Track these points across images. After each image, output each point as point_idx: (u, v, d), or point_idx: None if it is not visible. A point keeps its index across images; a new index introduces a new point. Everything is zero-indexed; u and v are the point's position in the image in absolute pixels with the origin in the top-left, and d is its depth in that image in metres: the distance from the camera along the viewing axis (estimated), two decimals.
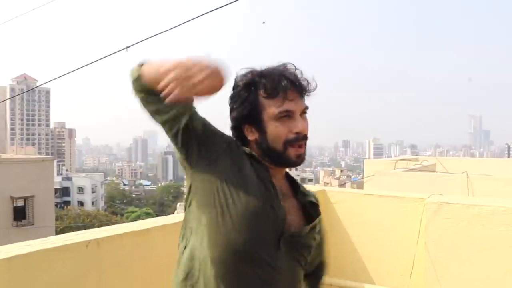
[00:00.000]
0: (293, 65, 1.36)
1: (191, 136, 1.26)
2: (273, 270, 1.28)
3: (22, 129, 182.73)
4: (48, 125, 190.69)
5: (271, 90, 1.32)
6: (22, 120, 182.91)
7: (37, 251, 1.53)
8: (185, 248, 1.30)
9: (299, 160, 1.35)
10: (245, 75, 1.36)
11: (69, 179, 74.34)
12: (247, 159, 1.34)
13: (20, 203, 23.54)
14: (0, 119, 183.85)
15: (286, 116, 1.33)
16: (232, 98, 1.37)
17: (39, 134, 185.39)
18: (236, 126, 1.38)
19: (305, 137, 1.35)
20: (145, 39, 5.71)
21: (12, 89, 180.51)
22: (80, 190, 70.77)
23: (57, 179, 65.66)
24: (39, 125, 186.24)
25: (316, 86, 1.37)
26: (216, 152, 1.28)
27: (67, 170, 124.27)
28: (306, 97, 1.39)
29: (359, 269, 3.49)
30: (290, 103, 1.33)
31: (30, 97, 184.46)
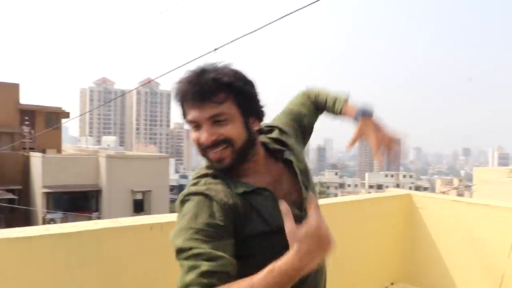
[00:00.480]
0: (199, 68, 1.31)
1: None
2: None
3: (146, 129, 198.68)
4: (168, 126, 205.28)
5: (180, 103, 1.33)
6: (146, 121, 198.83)
7: (105, 228, 1.74)
8: None
9: (220, 164, 1.32)
10: (174, 85, 1.35)
11: (185, 177, 79.18)
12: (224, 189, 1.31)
13: (139, 196, 25.79)
14: (128, 120, 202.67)
15: (195, 126, 1.32)
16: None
17: (160, 134, 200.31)
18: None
19: (214, 145, 1.30)
20: (232, 41, 5.94)
21: (138, 92, 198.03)
22: None
23: (175, 176, 70.43)
24: (160, 125, 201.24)
25: (227, 85, 1.28)
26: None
27: (184, 169, 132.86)
28: (218, 101, 1.28)
29: (442, 276, 3.30)
30: (193, 112, 1.30)
31: (154, 100, 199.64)
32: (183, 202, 1.29)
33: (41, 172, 24.35)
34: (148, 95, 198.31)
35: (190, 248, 1.14)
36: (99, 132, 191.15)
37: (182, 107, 1.34)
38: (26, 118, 31.94)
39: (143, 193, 26.21)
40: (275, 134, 1.53)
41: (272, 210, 1.28)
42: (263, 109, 1.40)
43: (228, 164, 1.31)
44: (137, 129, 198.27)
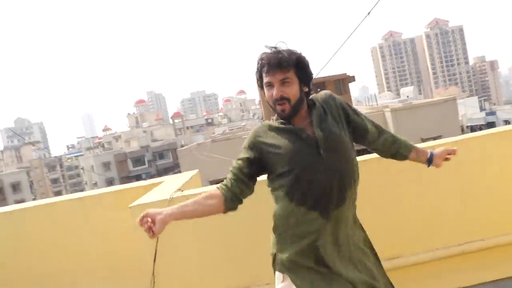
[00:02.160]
0: (275, 49, 1.93)
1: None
2: (322, 171, 1.88)
3: (442, 72, 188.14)
4: (467, 63, 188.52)
5: (260, 70, 1.97)
6: (441, 63, 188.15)
7: None
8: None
9: (283, 114, 1.94)
10: (259, 56, 1.99)
11: (492, 113, 71.90)
12: (272, 130, 1.97)
13: None
14: (422, 67, 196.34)
15: (269, 85, 1.94)
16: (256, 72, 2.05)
17: (459, 73, 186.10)
18: (261, 87, 2.04)
19: (281, 99, 1.90)
20: None
21: (428, 36, 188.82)
22: (507, 123, 67.40)
23: (480, 115, 64.99)
24: (458, 64, 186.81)
25: (293, 60, 1.90)
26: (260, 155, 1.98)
27: (494, 104, 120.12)
28: (285, 69, 1.89)
29: None
30: (268, 76, 1.92)
31: (445, 39, 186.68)
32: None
33: None
34: (438, 36, 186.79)
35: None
36: (396, 85, 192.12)
37: (260, 75, 1.98)
38: (318, 89, 35.87)
39: (434, 139, 25.87)
40: (317, 96, 2.11)
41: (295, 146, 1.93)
42: (311, 77, 2.01)
43: (288, 113, 1.93)
44: (434, 73, 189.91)
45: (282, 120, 1.99)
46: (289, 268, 1.92)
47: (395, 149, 2.15)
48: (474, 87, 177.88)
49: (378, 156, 2.23)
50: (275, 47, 1.95)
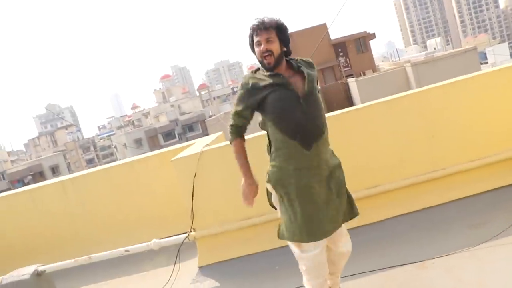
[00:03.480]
0: (262, 18, 2.56)
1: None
2: (302, 113, 2.49)
3: (471, 19, 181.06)
4: (497, 7, 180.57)
5: (251, 34, 2.60)
6: (469, 9, 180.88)
7: None
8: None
9: (269, 64, 2.53)
10: (250, 26, 2.61)
11: None
12: (263, 79, 2.54)
13: None
14: (449, 15, 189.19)
15: (258, 43, 2.55)
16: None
17: (489, 19, 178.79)
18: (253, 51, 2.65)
19: (266, 51, 2.51)
20: None
21: None
22: None
23: (511, 62, 63.16)
24: (487, 9, 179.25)
25: (275, 24, 2.53)
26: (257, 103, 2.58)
27: None
28: (268, 30, 2.52)
29: None
30: (257, 37, 2.55)
31: None
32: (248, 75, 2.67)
33: (358, 94, 27.65)
34: None
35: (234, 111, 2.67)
36: (423, 37, 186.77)
37: (252, 39, 2.58)
38: (339, 50, 36.07)
39: None
40: (300, 61, 2.70)
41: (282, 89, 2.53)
42: (288, 40, 2.60)
43: (272, 63, 2.53)
44: (462, 21, 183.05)
45: (268, 73, 2.58)
46: (276, 181, 2.60)
47: None
48: (506, 32, 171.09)
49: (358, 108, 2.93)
50: (262, 18, 2.59)
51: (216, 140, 4.57)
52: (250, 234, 4.01)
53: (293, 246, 2.62)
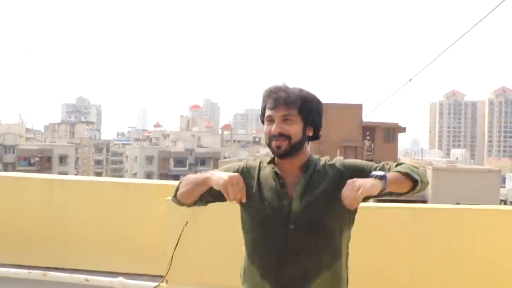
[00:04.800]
0: (282, 85, 1.83)
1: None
2: (285, 247, 1.77)
3: (499, 141, 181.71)
4: None
5: (263, 103, 1.85)
6: (499, 132, 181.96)
7: None
8: None
9: (278, 151, 1.78)
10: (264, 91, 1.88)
11: None
12: (263, 169, 1.87)
13: None
14: (479, 132, 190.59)
15: (270, 120, 1.81)
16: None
17: None
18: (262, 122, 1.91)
19: (280, 136, 1.77)
20: None
21: (491, 103, 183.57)
22: None
23: None
24: None
25: (299, 98, 1.79)
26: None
27: None
28: (288, 107, 1.78)
29: None
30: (271, 111, 1.80)
31: (509, 109, 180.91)
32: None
33: None
34: (502, 105, 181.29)
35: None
36: (448, 145, 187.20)
37: (264, 108, 1.85)
38: (367, 133, 36.04)
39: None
40: (324, 160, 1.91)
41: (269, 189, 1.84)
42: (319, 122, 1.86)
43: (284, 151, 1.78)
44: (490, 141, 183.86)
45: (272, 164, 1.88)
46: None
47: None
48: None
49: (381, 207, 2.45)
50: (283, 85, 1.85)
51: None
52: None
53: None
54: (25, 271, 3.82)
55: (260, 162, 1.94)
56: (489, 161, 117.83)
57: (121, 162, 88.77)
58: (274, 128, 1.78)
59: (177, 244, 3.52)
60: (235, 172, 1.84)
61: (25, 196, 4.84)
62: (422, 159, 41.65)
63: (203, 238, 3.62)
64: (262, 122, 1.88)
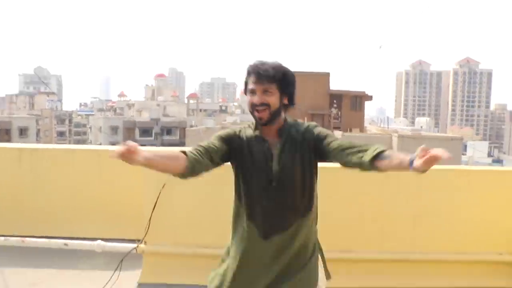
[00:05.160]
0: (262, 61, 2.09)
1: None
2: (269, 199, 2.09)
3: (462, 111, 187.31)
4: (488, 107, 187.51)
5: (247, 77, 2.12)
6: (462, 101, 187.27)
7: None
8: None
9: (261, 121, 2.07)
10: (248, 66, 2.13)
11: (499, 161, 72.03)
12: (247, 133, 2.14)
13: None
14: (443, 101, 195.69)
15: (252, 92, 2.07)
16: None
17: (478, 116, 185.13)
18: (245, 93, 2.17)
19: (262, 105, 2.04)
20: None
21: (455, 73, 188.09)
22: None
23: (487, 160, 65.26)
24: (478, 106, 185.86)
25: (276, 73, 2.05)
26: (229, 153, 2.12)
27: (504, 153, 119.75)
28: (269, 81, 2.04)
29: None
30: (253, 84, 2.07)
31: (472, 80, 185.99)
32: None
33: None
34: (466, 75, 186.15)
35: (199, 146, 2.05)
36: (413, 113, 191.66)
37: (247, 80, 2.11)
38: (334, 101, 36.46)
39: None
40: (307, 124, 2.19)
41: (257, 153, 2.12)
42: (292, 92, 2.14)
43: (266, 120, 2.07)
44: (453, 110, 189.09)
45: (257, 131, 2.15)
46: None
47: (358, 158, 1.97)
48: (489, 132, 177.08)
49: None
50: (262, 61, 2.12)
51: None
52: (203, 264, 3.62)
53: None
54: (1, 238, 3.79)
55: (242, 128, 2.22)
56: (452, 129, 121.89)
57: (84, 133, 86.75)
58: (257, 98, 2.07)
59: (154, 206, 3.58)
60: (229, 135, 2.15)
61: None
62: (388, 127, 42.69)
63: (180, 200, 3.69)
64: (245, 93, 2.15)
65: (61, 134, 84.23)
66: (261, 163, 2.11)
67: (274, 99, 2.07)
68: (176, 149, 2.09)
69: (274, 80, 2.06)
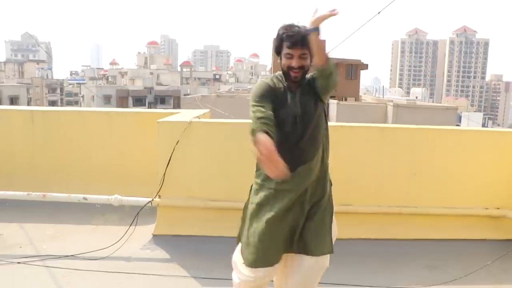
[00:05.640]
0: (296, 25, 2.36)
1: None
2: (298, 136, 2.39)
3: (457, 81, 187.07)
4: (483, 78, 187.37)
5: (280, 40, 2.39)
6: (458, 72, 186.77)
7: None
8: None
9: (296, 79, 2.38)
10: (279, 29, 2.40)
11: None
12: (279, 85, 2.42)
13: None
14: (439, 71, 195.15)
15: (289, 56, 2.35)
16: (276, 36, 2.43)
17: (473, 87, 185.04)
18: (275, 49, 2.44)
19: (299, 68, 2.35)
20: None
21: (452, 42, 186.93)
22: None
23: None
24: (474, 77, 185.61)
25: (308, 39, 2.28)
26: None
27: (498, 125, 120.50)
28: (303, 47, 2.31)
29: None
30: (290, 49, 2.34)
31: (468, 49, 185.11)
32: (263, 79, 2.48)
33: (335, 116, 28.01)
34: (462, 45, 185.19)
35: (252, 111, 2.28)
36: (408, 83, 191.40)
37: (280, 44, 2.37)
38: None
39: None
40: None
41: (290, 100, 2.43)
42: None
43: (299, 79, 2.39)
44: (448, 81, 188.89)
45: (284, 81, 2.44)
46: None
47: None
48: (484, 103, 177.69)
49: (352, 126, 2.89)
50: (293, 25, 2.40)
51: (204, 116, 4.47)
52: (213, 216, 3.94)
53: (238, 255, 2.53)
54: (24, 193, 4.02)
55: (274, 80, 2.45)
56: (447, 100, 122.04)
57: (76, 102, 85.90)
58: (295, 62, 2.35)
59: (169, 162, 3.83)
60: (269, 91, 2.38)
61: (7, 126, 4.96)
62: (383, 97, 42.87)
63: (191, 156, 3.94)
64: (277, 53, 2.42)
65: (52, 103, 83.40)
66: (290, 107, 2.40)
67: (307, 62, 2.38)
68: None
69: (307, 45, 2.31)
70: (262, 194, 2.43)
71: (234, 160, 3.93)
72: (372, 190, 4.01)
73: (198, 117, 4.08)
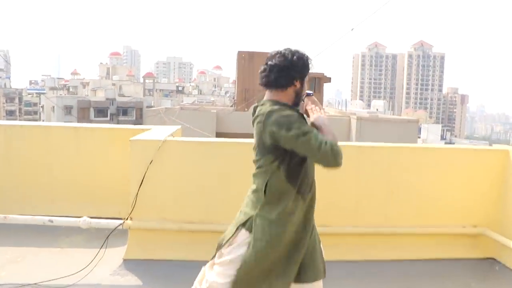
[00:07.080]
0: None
1: None
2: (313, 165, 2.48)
3: (416, 93, 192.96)
4: (440, 90, 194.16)
5: (307, 70, 2.46)
6: (416, 84, 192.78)
7: None
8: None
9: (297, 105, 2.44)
10: (306, 56, 2.42)
11: (451, 143, 75.25)
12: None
13: None
14: (398, 84, 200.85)
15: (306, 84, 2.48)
16: (299, 63, 2.40)
17: (431, 99, 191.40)
18: (293, 77, 2.39)
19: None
20: None
21: (410, 55, 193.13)
22: None
23: (440, 142, 68.01)
24: (432, 90, 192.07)
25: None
26: None
27: (455, 136, 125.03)
28: None
29: None
30: (307, 77, 2.48)
31: (426, 63, 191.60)
32: (281, 110, 2.31)
33: None
34: (420, 58, 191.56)
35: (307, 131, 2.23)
36: (369, 96, 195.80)
37: (306, 73, 2.45)
38: None
39: None
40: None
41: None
42: None
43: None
44: (407, 93, 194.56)
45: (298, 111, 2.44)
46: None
47: None
48: (442, 115, 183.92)
49: None
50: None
51: (176, 133, 4.32)
52: (188, 239, 3.79)
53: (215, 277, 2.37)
54: None
55: (290, 110, 2.37)
56: (407, 112, 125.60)
57: (35, 113, 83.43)
58: (304, 90, 2.50)
59: (141, 182, 3.65)
60: (299, 119, 2.31)
61: None
62: (346, 110, 43.55)
63: (166, 176, 3.78)
64: (301, 78, 2.44)
65: (10, 113, 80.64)
66: None
67: None
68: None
69: None
70: (286, 230, 2.33)
71: (210, 180, 3.80)
72: (350, 210, 3.96)
73: (172, 135, 3.93)
